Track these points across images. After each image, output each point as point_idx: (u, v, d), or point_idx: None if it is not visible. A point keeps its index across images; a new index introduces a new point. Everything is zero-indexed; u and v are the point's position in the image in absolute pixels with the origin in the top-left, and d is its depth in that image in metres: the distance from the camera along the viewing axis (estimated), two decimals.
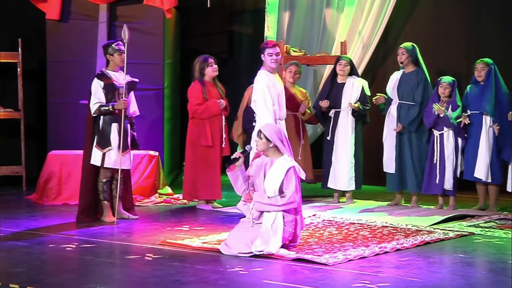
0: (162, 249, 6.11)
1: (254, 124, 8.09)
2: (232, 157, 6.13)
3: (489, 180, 7.92)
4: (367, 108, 8.41)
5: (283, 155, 6.11)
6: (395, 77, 8.37)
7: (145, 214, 7.85)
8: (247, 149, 6.26)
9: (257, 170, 6.13)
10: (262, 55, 7.64)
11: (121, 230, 6.99)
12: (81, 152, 7.65)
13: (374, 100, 8.41)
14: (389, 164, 8.32)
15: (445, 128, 7.98)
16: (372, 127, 8.83)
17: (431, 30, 9.62)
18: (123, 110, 7.29)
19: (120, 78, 7.43)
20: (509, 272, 5.50)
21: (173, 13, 9.67)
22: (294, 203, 6.04)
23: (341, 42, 9.31)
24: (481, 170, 7.88)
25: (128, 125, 7.48)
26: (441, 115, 7.87)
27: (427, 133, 8.16)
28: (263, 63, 7.63)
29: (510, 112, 7.70)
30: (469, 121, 7.87)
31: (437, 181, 7.98)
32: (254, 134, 6.93)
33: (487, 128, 7.87)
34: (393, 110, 8.30)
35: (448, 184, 7.94)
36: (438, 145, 7.99)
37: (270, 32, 10.15)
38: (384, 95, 8.38)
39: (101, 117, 7.36)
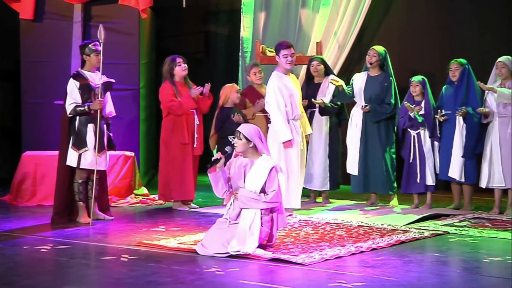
0: (138, 250, 6.09)
1: (224, 124, 8.12)
2: (213, 158, 6.11)
3: (463, 180, 7.99)
4: (336, 106, 8.41)
5: (262, 155, 6.11)
6: (360, 79, 8.39)
7: (121, 215, 7.82)
8: (227, 150, 6.22)
9: (236, 171, 6.11)
10: (276, 56, 7.71)
11: (97, 231, 6.96)
12: (56, 152, 7.60)
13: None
14: (352, 166, 8.36)
15: (420, 127, 8.05)
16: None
17: (405, 31, 9.69)
18: (99, 110, 7.26)
19: (96, 78, 7.40)
20: (483, 271, 5.55)
21: (149, 13, 9.65)
22: (278, 203, 6.05)
23: (317, 43, 9.34)
24: (455, 170, 7.95)
25: (104, 126, 7.45)
26: (411, 114, 7.94)
27: (393, 134, 8.25)
28: (278, 64, 7.71)
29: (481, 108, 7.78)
30: (444, 118, 7.94)
31: (418, 180, 8.04)
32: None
33: (461, 128, 7.94)
34: (358, 113, 8.33)
35: (431, 180, 8.01)
36: (416, 144, 8.05)
37: (246, 32, 10.17)
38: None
39: (77, 117, 7.33)
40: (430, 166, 8.03)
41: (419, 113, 7.97)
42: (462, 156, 7.88)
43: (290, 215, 7.63)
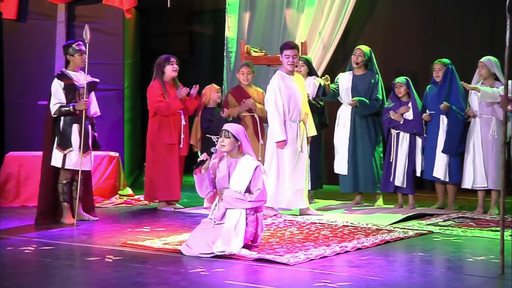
0: (122, 251, 6.07)
1: (212, 123, 8.09)
2: (198, 159, 6.09)
3: (447, 180, 8.03)
4: (319, 105, 8.42)
5: (245, 155, 6.10)
6: (346, 78, 8.41)
7: (106, 216, 7.79)
8: (212, 151, 6.18)
9: (220, 171, 6.10)
10: (280, 56, 7.72)
11: (81, 231, 6.93)
12: (39, 153, 7.57)
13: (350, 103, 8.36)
14: (341, 166, 8.37)
15: (401, 128, 8.08)
16: (332, 128, 8.85)
17: (390, 31, 9.73)
18: (84, 110, 7.23)
19: (81, 78, 7.37)
20: (466, 270, 5.58)
21: (133, 13, 9.62)
22: (264, 201, 6.05)
23: (302, 43, 9.35)
24: (440, 170, 7.99)
25: (89, 126, 7.42)
26: (398, 120, 7.98)
27: (380, 133, 8.29)
28: (282, 64, 7.74)
29: (468, 109, 7.82)
30: (428, 118, 7.98)
31: (391, 179, 8.08)
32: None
33: (445, 128, 7.98)
34: (345, 112, 8.35)
35: (398, 182, 8.02)
36: (395, 144, 8.08)
37: (230, 32, 10.17)
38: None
39: (62, 118, 7.29)
40: (401, 168, 7.99)
41: (406, 115, 8.01)
42: (442, 151, 7.91)
43: (275, 215, 7.63)
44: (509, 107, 5.35)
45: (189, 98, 8.13)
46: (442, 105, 7.86)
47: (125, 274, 5.31)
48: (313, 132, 7.87)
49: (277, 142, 7.59)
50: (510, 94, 5.70)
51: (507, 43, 5.34)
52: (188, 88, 8.05)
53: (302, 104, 7.72)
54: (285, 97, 7.62)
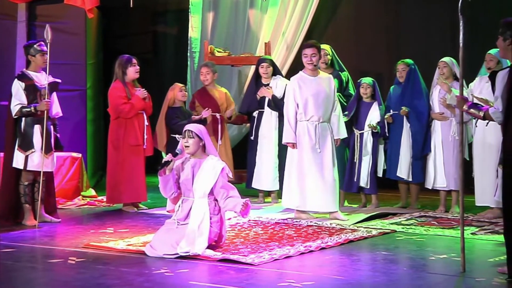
0: (85, 252, 6.02)
1: (178, 121, 8.05)
2: (163, 160, 6.06)
3: (410, 179, 8.11)
4: (283, 102, 8.44)
5: (209, 155, 6.09)
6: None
7: (68, 217, 7.72)
8: (177, 152, 6.15)
9: (184, 172, 6.08)
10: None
11: (43, 233, 6.86)
12: (0, 154, 7.46)
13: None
14: None
15: (366, 128, 8.13)
16: None
17: (353, 31, 9.79)
18: (45, 111, 7.16)
19: (42, 78, 7.29)
20: (429, 268, 5.64)
21: (95, 13, 9.55)
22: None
23: (265, 43, 9.37)
24: (403, 170, 8.06)
25: (51, 127, 7.35)
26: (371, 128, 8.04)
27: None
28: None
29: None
30: (391, 120, 8.05)
31: (355, 179, 8.13)
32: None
33: (408, 129, 8.05)
34: None
35: (363, 182, 8.07)
36: (358, 144, 8.13)
37: (194, 32, 10.14)
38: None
39: (23, 119, 7.21)
40: (365, 168, 8.04)
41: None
42: (412, 157, 7.99)
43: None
44: (464, 107, 5.41)
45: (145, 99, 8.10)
46: (401, 110, 7.93)
47: (88, 275, 5.27)
48: (342, 134, 7.65)
49: (287, 143, 7.55)
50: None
51: (461, 44, 5.42)
52: (144, 91, 8.00)
53: (325, 104, 7.51)
54: (301, 98, 7.47)
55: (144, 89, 8.04)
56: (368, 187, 8.13)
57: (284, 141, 7.61)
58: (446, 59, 7.92)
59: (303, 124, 7.50)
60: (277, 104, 8.34)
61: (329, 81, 7.62)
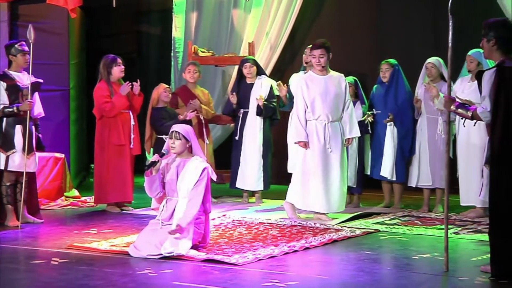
0: (69, 253, 5.99)
1: (164, 123, 8.02)
2: (150, 160, 6.03)
3: (394, 179, 8.13)
4: (272, 106, 8.46)
5: (195, 156, 6.08)
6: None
7: (51, 218, 7.68)
8: (164, 152, 6.13)
9: (169, 172, 6.06)
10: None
11: (26, 234, 6.82)
12: None
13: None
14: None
15: None
16: (279, 127, 8.89)
17: (337, 31, 9.80)
18: (28, 111, 7.11)
19: (24, 78, 7.25)
20: (412, 267, 5.66)
21: (78, 12, 9.49)
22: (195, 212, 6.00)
23: (249, 43, 9.37)
24: (387, 169, 8.08)
25: (33, 127, 7.31)
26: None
27: None
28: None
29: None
30: (372, 119, 8.07)
31: None
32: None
33: (392, 128, 8.08)
34: None
35: (350, 182, 8.09)
36: None
37: (178, 32, 10.13)
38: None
39: (4, 119, 7.17)
40: (351, 167, 8.06)
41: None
42: (396, 157, 8.01)
43: (224, 215, 7.62)
44: (452, 107, 5.43)
45: (133, 96, 8.05)
46: (386, 119, 7.95)
47: (71, 276, 5.24)
48: (354, 133, 7.56)
49: (297, 142, 7.51)
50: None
51: (450, 44, 5.42)
52: (129, 83, 7.94)
53: (334, 104, 7.46)
54: (308, 98, 7.42)
55: (130, 82, 7.94)
56: (355, 186, 8.15)
57: (295, 140, 7.52)
58: (433, 59, 7.92)
59: (311, 123, 7.44)
60: (267, 112, 8.37)
61: (339, 80, 7.54)
